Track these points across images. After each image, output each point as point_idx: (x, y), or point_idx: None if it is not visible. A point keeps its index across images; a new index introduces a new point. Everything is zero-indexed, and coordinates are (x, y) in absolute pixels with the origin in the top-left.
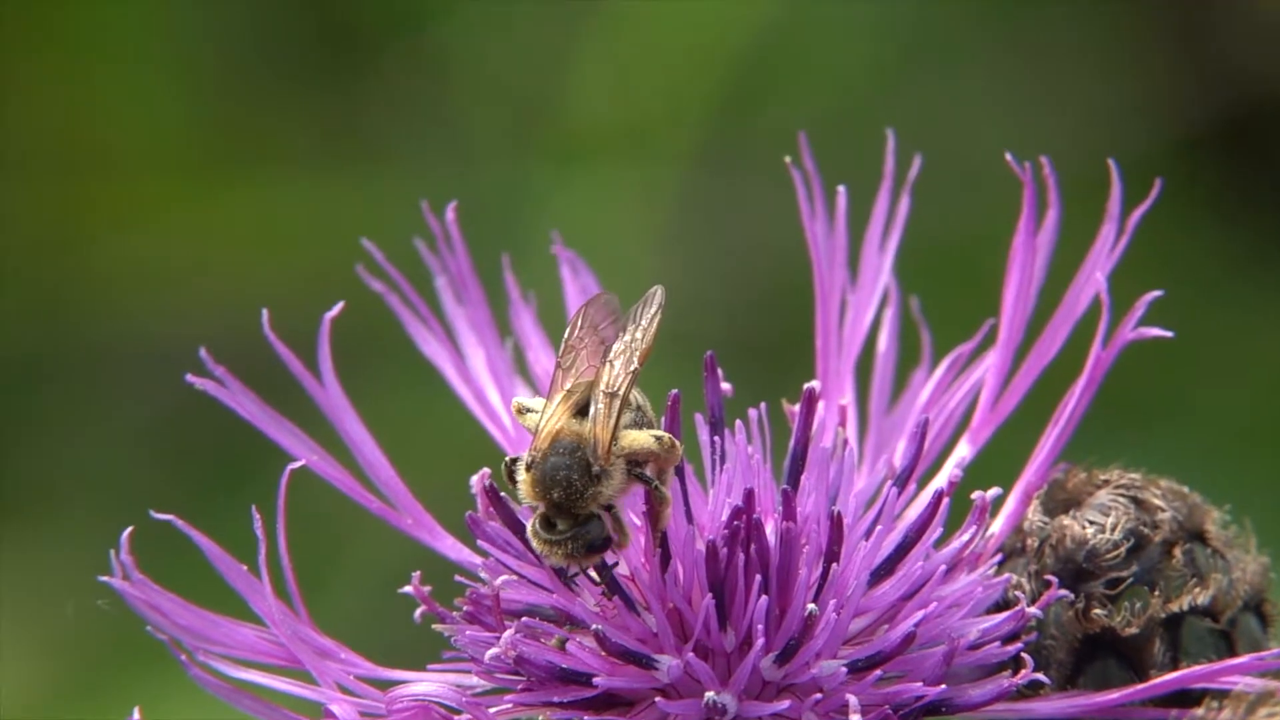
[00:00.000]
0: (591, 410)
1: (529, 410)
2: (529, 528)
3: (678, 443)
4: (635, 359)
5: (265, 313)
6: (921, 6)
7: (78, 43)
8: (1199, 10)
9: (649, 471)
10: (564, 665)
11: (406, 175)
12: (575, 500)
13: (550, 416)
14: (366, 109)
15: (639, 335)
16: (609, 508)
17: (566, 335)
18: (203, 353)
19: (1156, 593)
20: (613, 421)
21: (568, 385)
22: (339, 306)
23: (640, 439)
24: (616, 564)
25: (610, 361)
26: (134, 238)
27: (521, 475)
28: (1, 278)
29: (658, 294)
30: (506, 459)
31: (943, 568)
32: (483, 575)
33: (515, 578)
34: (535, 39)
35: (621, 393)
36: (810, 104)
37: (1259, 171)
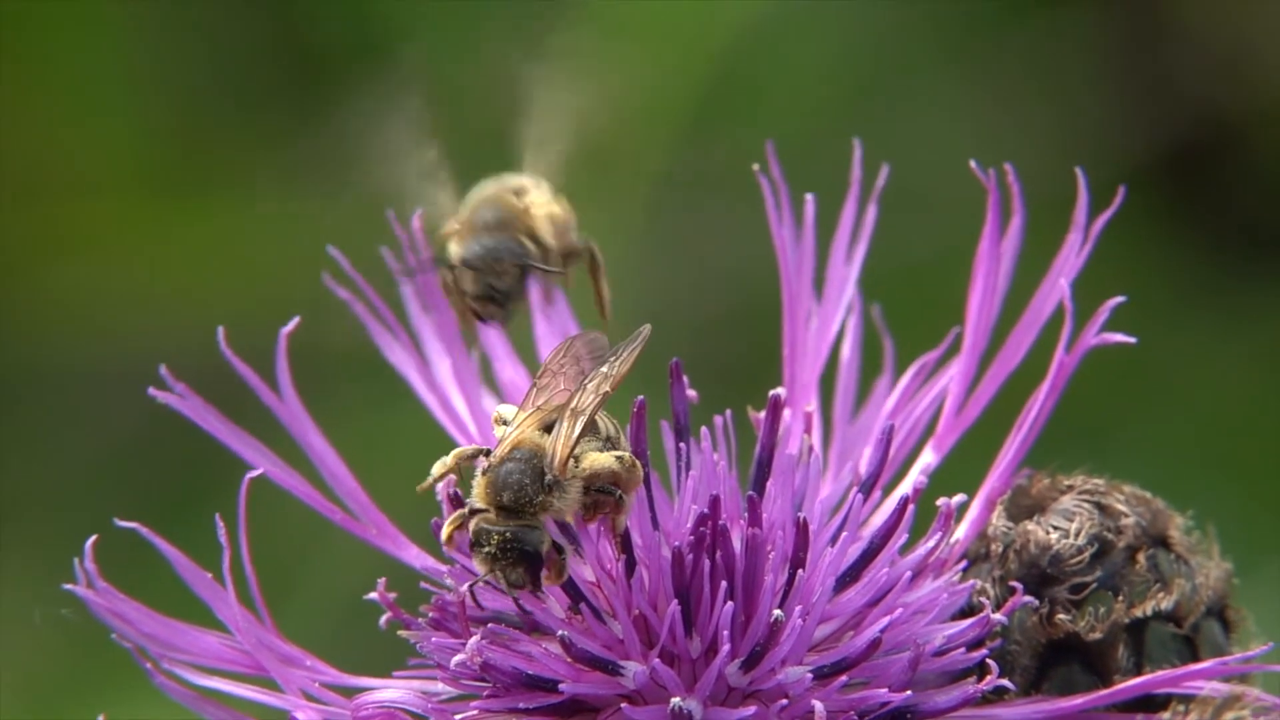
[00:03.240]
0: (556, 426)
1: (507, 424)
2: (471, 528)
3: (639, 464)
4: (607, 384)
5: (220, 330)
6: (880, 33)
7: (34, 65)
8: (1151, 40)
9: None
10: (530, 671)
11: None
12: (524, 506)
13: (516, 428)
14: (327, 132)
15: (616, 365)
16: (561, 527)
17: (548, 360)
18: (163, 370)
19: (1120, 598)
20: (574, 436)
21: (539, 403)
22: (295, 321)
23: (601, 459)
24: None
25: (584, 385)
26: (90, 261)
27: (477, 479)
28: None
29: (644, 332)
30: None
31: (908, 574)
32: (448, 582)
33: (481, 584)
34: (499, 63)
35: (587, 411)
36: (772, 128)
37: (1208, 199)
